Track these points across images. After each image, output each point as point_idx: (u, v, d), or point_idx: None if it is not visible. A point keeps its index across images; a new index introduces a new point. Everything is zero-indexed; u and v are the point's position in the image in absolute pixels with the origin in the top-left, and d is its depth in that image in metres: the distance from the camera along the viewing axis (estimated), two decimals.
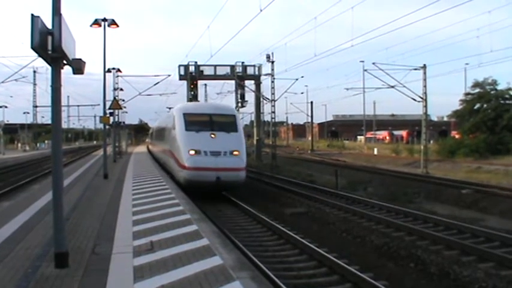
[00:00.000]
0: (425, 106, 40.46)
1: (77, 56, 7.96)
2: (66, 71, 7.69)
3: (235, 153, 21.04)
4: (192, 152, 20.72)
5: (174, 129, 23.04)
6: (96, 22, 24.50)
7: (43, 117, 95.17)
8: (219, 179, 20.08)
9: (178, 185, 20.79)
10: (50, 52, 7.05)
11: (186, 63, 52.93)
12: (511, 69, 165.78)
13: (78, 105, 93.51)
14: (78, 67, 7.76)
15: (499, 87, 52.19)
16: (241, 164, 21.09)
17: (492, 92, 52.14)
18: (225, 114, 23.47)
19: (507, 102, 51.40)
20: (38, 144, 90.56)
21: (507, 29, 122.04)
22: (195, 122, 22.25)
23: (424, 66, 40.36)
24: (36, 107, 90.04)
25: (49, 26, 7.06)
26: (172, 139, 23.51)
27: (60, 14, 7.16)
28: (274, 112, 49.75)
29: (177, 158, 21.84)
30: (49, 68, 7.46)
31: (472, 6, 57.16)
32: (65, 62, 7.47)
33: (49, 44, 6.98)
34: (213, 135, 21.43)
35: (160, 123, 40.11)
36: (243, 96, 53.32)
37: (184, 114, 22.76)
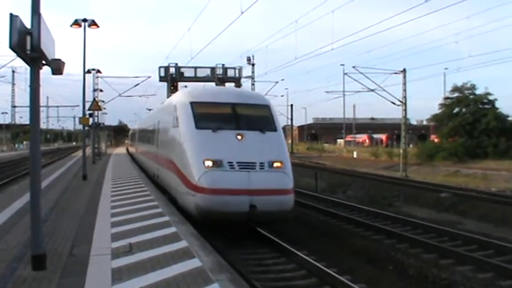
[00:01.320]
0: (405, 110, 40.92)
1: (57, 56, 7.90)
2: (46, 71, 7.63)
3: (276, 164, 13.42)
4: (209, 164, 12.97)
5: (176, 127, 15.26)
6: (76, 22, 24.25)
7: (21, 117, 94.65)
8: (254, 208, 12.43)
9: (186, 215, 13.30)
10: (28, 52, 6.99)
11: (166, 64, 52.84)
12: (490, 74, 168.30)
13: (57, 106, 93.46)
14: (57, 67, 7.68)
15: (477, 92, 53.14)
16: (288, 182, 13.43)
17: (471, 97, 53.00)
18: (255, 104, 15.51)
19: (485, 106, 52.30)
20: (16, 145, 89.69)
21: (485, 34, 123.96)
22: (211, 116, 14.61)
23: (404, 70, 40.89)
24: (14, 107, 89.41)
25: (28, 25, 6.99)
26: (173, 142, 15.65)
27: (40, 14, 7.09)
28: None
29: (183, 173, 13.86)
30: (28, 68, 7.40)
31: (452, 12, 58.01)
32: (44, 62, 7.41)
33: (28, 43, 6.91)
34: (239, 137, 13.80)
35: (149, 118, 28.99)
36: None
37: (193, 104, 14.84)
